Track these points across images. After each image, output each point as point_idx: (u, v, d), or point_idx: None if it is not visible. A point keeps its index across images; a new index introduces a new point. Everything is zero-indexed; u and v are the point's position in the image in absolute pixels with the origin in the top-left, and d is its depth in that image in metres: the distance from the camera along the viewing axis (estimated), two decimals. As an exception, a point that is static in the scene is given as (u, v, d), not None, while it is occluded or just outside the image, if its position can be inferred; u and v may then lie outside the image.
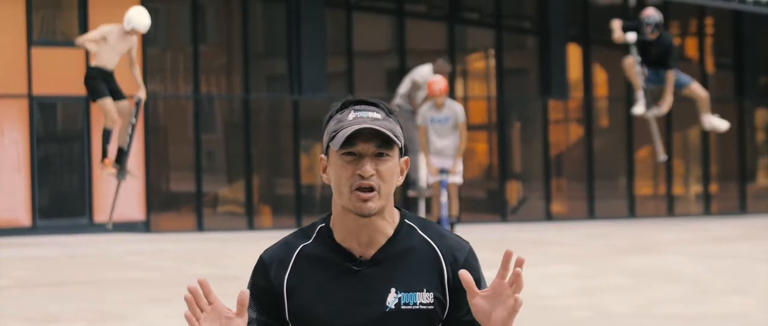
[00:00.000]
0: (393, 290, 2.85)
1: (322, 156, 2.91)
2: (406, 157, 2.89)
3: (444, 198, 14.02)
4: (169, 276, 13.45)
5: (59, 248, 16.99)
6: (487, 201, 23.68)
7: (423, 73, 16.02)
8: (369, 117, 2.83)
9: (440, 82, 13.85)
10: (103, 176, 19.77)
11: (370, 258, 2.88)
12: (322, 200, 21.78)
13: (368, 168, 2.79)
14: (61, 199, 19.83)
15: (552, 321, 9.90)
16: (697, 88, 17.05)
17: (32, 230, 19.36)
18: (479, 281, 2.93)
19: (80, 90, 19.83)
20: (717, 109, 25.47)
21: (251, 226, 21.09)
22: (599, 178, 24.04)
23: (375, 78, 22.91)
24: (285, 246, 2.95)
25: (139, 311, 10.49)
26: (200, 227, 20.73)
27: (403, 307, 2.85)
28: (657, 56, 16.41)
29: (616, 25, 16.39)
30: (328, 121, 2.89)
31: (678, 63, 17.45)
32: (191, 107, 21.06)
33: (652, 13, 16.07)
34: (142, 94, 14.76)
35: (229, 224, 21.10)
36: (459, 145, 14.01)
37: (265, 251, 2.96)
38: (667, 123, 24.92)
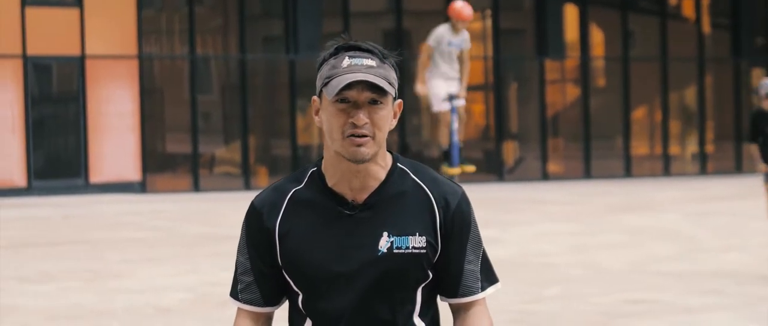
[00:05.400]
0: (385, 234, 2.84)
1: (315, 97, 2.90)
2: (399, 101, 2.88)
3: (455, 124, 13.74)
4: (165, 236, 13.47)
5: (54, 209, 17.00)
6: (484, 161, 23.68)
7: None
8: (363, 64, 2.80)
9: (470, 9, 13.51)
10: (98, 137, 19.79)
11: (363, 202, 2.87)
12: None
13: (362, 116, 2.78)
14: (56, 160, 19.82)
15: (547, 278, 9.92)
16: None
17: (27, 191, 19.37)
18: (470, 225, 2.93)
19: (75, 50, 19.82)
20: (713, 68, 25.48)
21: (247, 186, 21.10)
22: (596, 138, 24.04)
23: (371, 39, 22.81)
24: (276, 190, 2.93)
25: (134, 270, 10.50)
26: (196, 187, 20.73)
27: (395, 251, 2.84)
28: None
29: (755, 153, 13.89)
30: (321, 64, 2.87)
31: None
32: (187, 68, 21.02)
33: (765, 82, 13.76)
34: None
35: (225, 184, 21.10)
36: (465, 70, 13.73)
37: (256, 197, 2.94)
38: (662, 82, 24.90)
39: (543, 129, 23.63)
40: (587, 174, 23.74)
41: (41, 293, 9.36)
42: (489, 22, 23.46)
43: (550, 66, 23.80)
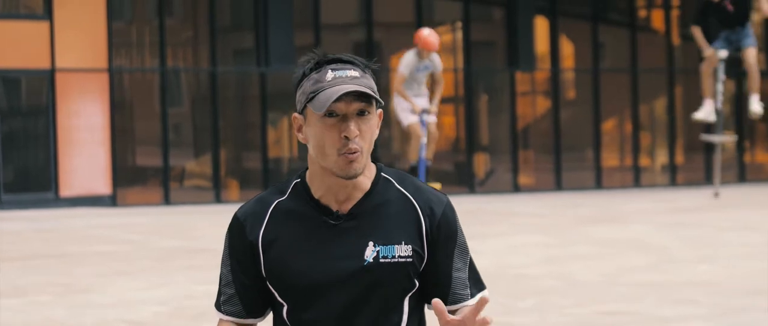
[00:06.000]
0: (371, 243, 2.84)
1: (297, 115, 2.88)
2: (380, 110, 2.89)
3: (424, 139, 13.94)
4: (137, 249, 13.40)
5: (25, 222, 16.90)
6: (454, 173, 23.70)
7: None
8: (348, 76, 2.80)
9: (436, 36, 13.79)
10: (68, 151, 19.69)
11: (347, 212, 2.87)
12: (291, 173, 21.73)
13: (353, 128, 2.78)
14: (26, 174, 19.70)
15: (521, 290, 9.92)
16: (750, 55, 14.29)
17: (-3, 205, 19.25)
18: (456, 232, 2.93)
19: (45, 63, 19.69)
20: (683, 79, 25.59)
21: (218, 200, 21.04)
22: (566, 150, 24.10)
23: (342, 50, 22.79)
24: (259, 202, 2.93)
25: (106, 284, 10.44)
26: (167, 201, 20.65)
27: (381, 260, 2.84)
28: (737, 13, 13.76)
29: (699, 35, 13.87)
30: (301, 80, 2.86)
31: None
32: (157, 81, 20.95)
33: None
34: None
35: (195, 198, 21.03)
36: (438, 88, 14.00)
37: (239, 209, 2.93)
38: (632, 93, 24.98)
39: (514, 141, 23.68)
40: (558, 186, 23.80)
41: (12, 307, 9.29)
42: (459, 35, 23.51)
43: (521, 78, 23.86)
